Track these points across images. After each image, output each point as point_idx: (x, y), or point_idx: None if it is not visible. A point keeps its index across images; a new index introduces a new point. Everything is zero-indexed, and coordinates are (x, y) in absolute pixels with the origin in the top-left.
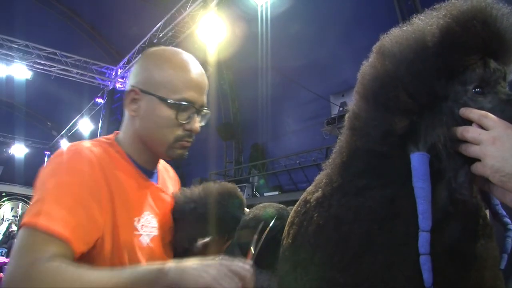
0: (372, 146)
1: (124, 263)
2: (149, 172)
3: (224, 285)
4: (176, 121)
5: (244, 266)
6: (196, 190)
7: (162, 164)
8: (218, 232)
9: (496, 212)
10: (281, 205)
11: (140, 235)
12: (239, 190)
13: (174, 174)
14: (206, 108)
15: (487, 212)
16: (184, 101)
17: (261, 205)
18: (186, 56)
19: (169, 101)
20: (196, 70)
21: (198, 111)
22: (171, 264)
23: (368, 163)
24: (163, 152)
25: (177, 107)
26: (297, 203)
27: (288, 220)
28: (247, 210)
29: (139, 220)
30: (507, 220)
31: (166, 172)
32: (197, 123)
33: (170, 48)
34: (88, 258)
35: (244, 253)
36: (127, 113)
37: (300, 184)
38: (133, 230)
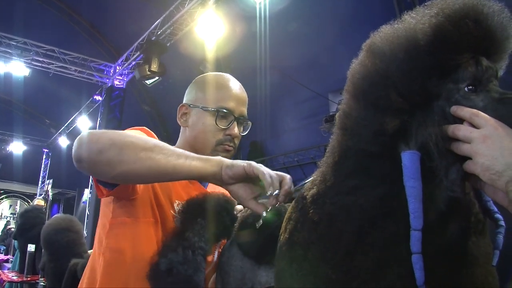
0: (363, 146)
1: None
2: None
3: (270, 172)
4: (217, 126)
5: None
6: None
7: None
8: (219, 232)
9: (487, 208)
10: None
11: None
12: None
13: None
14: (246, 118)
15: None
16: (223, 109)
17: None
18: (227, 76)
19: (210, 109)
20: (235, 86)
21: (238, 119)
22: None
23: (359, 162)
24: (208, 155)
25: (217, 114)
26: (295, 198)
27: (286, 216)
28: (241, 206)
29: (178, 204)
30: (498, 216)
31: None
32: (236, 129)
33: (215, 73)
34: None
35: (244, 252)
36: (181, 127)
37: (298, 182)
38: (171, 206)
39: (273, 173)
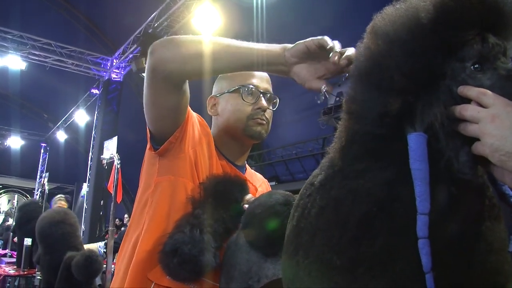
0: (369, 129)
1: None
2: (235, 165)
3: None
4: (244, 102)
5: None
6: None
7: (253, 171)
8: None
9: (502, 192)
10: (288, 192)
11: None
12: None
13: (264, 180)
14: (272, 94)
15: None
16: (247, 85)
17: (266, 192)
18: None
19: (235, 87)
20: None
21: (264, 94)
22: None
23: (366, 146)
24: (242, 132)
25: (242, 90)
26: (303, 186)
27: (294, 203)
28: (250, 196)
29: None
30: None
31: (254, 175)
32: (264, 102)
33: None
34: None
35: (251, 244)
36: (212, 118)
37: (297, 175)
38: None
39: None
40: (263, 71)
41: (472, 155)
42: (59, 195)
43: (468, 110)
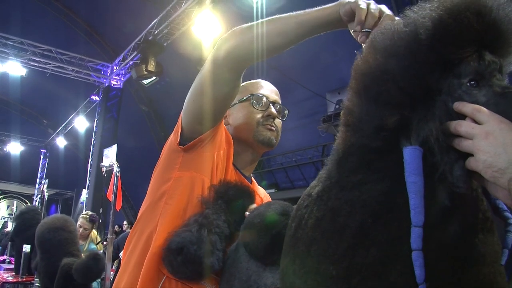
0: (365, 142)
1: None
2: (243, 175)
3: (371, 8)
4: (254, 108)
5: None
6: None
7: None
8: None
9: (496, 206)
10: (286, 202)
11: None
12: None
13: (265, 193)
14: (282, 105)
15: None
16: (256, 94)
17: (265, 202)
18: (257, 79)
19: (245, 97)
20: (265, 82)
21: (273, 103)
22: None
23: (362, 158)
24: (252, 138)
25: (252, 99)
26: (301, 197)
27: (292, 214)
28: (255, 206)
29: None
30: (508, 214)
31: (258, 189)
32: (274, 109)
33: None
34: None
35: (250, 253)
36: None
37: (296, 182)
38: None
39: (374, 9)
40: (325, 32)
41: (466, 169)
42: (85, 212)
43: (463, 126)
